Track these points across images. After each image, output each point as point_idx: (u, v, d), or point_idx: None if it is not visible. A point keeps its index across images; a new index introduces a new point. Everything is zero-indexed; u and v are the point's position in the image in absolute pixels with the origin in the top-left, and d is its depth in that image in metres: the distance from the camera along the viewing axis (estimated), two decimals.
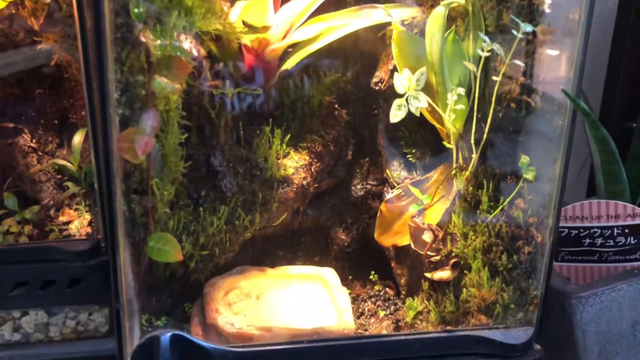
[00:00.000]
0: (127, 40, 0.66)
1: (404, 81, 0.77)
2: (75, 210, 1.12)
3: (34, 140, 1.16)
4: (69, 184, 1.11)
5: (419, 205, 0.83)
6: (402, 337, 0.77)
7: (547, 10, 0.75)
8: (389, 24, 0.86)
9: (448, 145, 0.85)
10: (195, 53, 0.68)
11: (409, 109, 0.77)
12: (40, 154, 1.17)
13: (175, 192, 0.82)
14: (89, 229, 1.09)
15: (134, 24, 0.66)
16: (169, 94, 0.69)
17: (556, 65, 0.76)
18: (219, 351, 0.70)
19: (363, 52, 0.99)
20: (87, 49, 0.91)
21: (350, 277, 1.03)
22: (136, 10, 0.65)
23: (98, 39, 0.58)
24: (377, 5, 0.82)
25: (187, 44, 0.68)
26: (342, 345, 0.75)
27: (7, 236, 1.04)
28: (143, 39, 0.64)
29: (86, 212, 1.12)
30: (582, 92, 1.03)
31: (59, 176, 1.15)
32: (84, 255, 0.96)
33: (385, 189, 0.97)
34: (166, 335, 0.68)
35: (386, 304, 0.98)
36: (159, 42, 0.65)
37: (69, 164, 1.08)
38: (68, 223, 1.12)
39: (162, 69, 0.68)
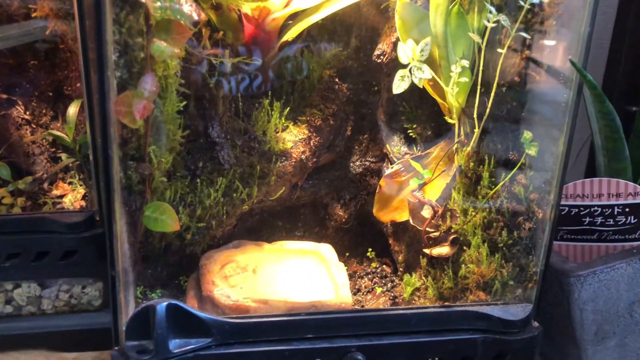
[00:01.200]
0: (126, 1, 0.64)
1: (408, 51, 0.75)
2: (69, 183, 1.11)
3: (27, 112, 1.14)
4: (63, 155, 1.10)
5: (420, 179, 0.82)
6: (401, 312, 0.77)
7: None
8: None
9: (450, 120, 0.84)
10: (195, 17, 0.67)
11: (412, 80, 0.75)
12: (34, 126, 1.15)
13: (173, 162, 0.81)
14: (82, 203, 1.08)
15: None
16: (168, 58, 0.68)
17: (562, 38, 0.74)
18: (215, 322, 0.69)
19: (364, 26, 0.97)
20: (83, 14, 0.89)
21: (347, 254, 1.02)
22: None
23: (98, 8, 0.57)
24: None
25: (187, 7, 0.66)
26: (340, 317, 0.74)
27: (0, 207, 1.03)
28: (143, 0, 0.62)
29: (80, 185, 1.10)
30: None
31: (53, 149, 1.13)
32: (78, 227, 0.95)
33: (384, 164, 0.96)
34: (162, 305, 0.67)
35: (383, 281, 0.97)
36: (158, 3, 0.64)
37: (64, 135, 1.06)
38: (62, 197, 1.10)
39: (162, 32, 0.66)
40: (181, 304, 0.69)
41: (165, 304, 0.68)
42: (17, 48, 1.12)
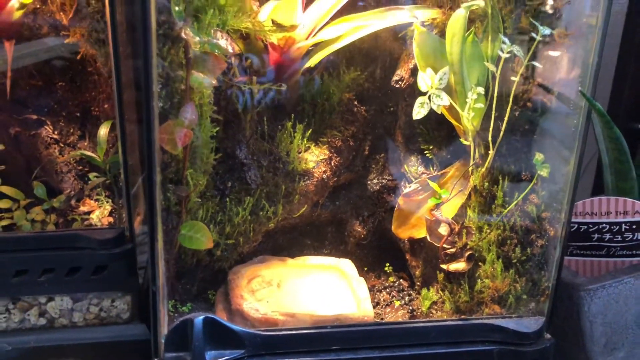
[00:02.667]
0: (167, 37, 0.69)
1: (427, 80, 0.80)
2: (96, 200, 1.16)
3: (56, 132, 1.19)
4: (92, 174, 1.14)
5: (437, 199, 0.86)
6: (421, 325, 0.81)
7: (564, 14, 0.79)
8: (410, 24, 0.90)
9: (465, 142, 0.89)
10: (230, 50, 0.72)
11: (430, 107, 0.81)
12: (62, 145, 1.20)
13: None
14: (110, 219, 1.13)
15: (175, 21, 0.69)
16: (205, 88, 0.73)
17: (571, 66, 0.79)
18: (248, 334, 0.74)
19: (382, 52, 1.02)
20: (117, 44, 0.94)
21: (365, 269, 1.07)
22: (177, 8, 0.69)
23: (145, 35, 0.62)
24: (402, 7, 0.85)
25: (223, 41, 0.72)
26: (364, 330, 0.79)
27: (35, 224, 1.08)
28: (184, 36, 0.67)
29: (106, 202, 1.15)
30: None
31: (80, 167, 1.18)
32: (108, 244, 1.00)
33: (402, 183, 1.01)
34: (199, 318, 0.72)
35: (400, 295, 1.02)
36: (198, 38, 0.69)
37: (95, 155, 1.11)
38: (89, 213, 1.15)
39: (200, 64, 0.72)
40: (217, 317, 0.73)
41: (202, 317, 0.72)
42: (46, 70, 1.17)
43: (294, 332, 0.77)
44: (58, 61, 1.16)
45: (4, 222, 1.07)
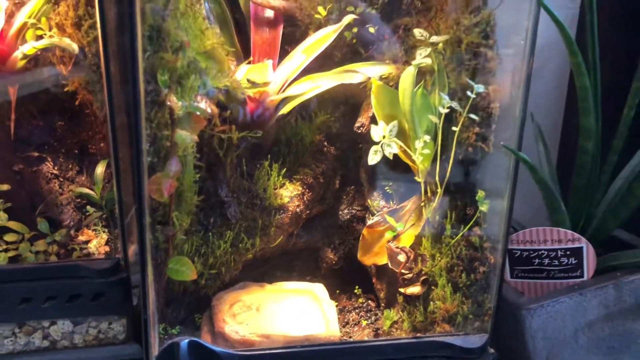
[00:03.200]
0: (155, 102, 0.81)
1: (380, 131, 0.93)
2: (94, 230, 1.27)
3: (56, 168, 1.30)
4: (90, 208, 1.26)
5: (394, 231, 0.99)
6: (379, 343, 0.93)
7: (498, 71, 0.91)
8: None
9: (418, 180, 1.01)
10: (209, 110, 0.84)
11: (383, 154, 0.93)
12: (62, 180, 1.31)
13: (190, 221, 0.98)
14: (106, 248, 1.24)
15: (160, 88, 0.81)
16: (188, 144, 0.85)
17: (505, 116, 0.92)
18: (227, 354, 0.86)
19: (348, 97, 1.15)
20: (111, 94, 1.06)
21: (337, 291, 1.19)
22: (162, 77, 0.81)
23: (135, 106, 0.74)
24: (357, 70, 0.98)
25: (203, 103, 0.84)
26: (329, 349, 0.91)
27: (38, 255, 1.19)
28: (169, 103, 0.80)
29: (103, 232, 1.26)
30: (533, 118, 1.20)
31: (78, 200, 1.29)
32: (105, 273, 1.10)
33: (367, 215, 1.13)
34: (185, 341, 0.84)
35: (368, 315, 1.14)
36: (180, 103, 0.81)
37: (91, 192, 1.22)
38: (87, 242, 1.26)
39: (183, 123, 0.84)
40: (200, 340, 0.85)
41: (187, 340, 0.84)
42: (46, 110, 1.29)
43: (267, 351, 0.88)
44: (58, 103, 1.28)
45: (11, 254, 1.18)
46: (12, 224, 1.18)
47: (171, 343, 0.84)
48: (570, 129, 1.36)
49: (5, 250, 1.18)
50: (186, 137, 0.83)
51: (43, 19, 1.16)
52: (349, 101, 1.14)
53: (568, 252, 1.03)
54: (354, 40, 1.09)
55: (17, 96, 1.24)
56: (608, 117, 1.02)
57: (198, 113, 0.84)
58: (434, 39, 0.92)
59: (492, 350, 0.96)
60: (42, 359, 1.09)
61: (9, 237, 1.19)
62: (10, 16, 1.18)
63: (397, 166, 1.08)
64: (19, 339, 1.10)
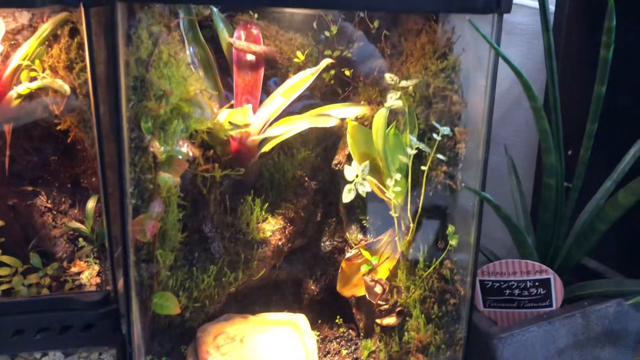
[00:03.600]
0: (138, 148, 0.87)
1: (353, 171, 0.98)
2: (85, 262, 1.31)
3: (49, 201, 1.35)
4: (82, 241, 1.31)
5: (369, 265, 1.03)
6: None
7: (463, 115, 0.97)
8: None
9: (393, 214, 1.06)
10: (190, 154, 0.89)
11: (357, 192, 0.98)
12: (55, 212, 1.36)
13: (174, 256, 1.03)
14: (97, 279, 1.29)
15: (144, 135, 0.87)
16: (170, 187, 0.90)
17: (470, 155, 0.97)
18: None
19: (328, 134, 1.20)
20: (101, 137, 1.12)
21: (319, 321, 1.23)
22: (145, 124, 0.87)
23: (119, 152, 0.79)
24: (333, 111, 1.04)
25: (185, 147, 0.89)
26: None
27: (30, 288, 1.23)
28: (152, 149, 0.85)
29: (95, 263, 1.31)
30: (506, 150, 1.26)
31: (71, 232, 1.34)
32: (96, 305, 1.14)
33: (346, 247, 1.18)
34: None
35: (349, 344, 1.18)
36: (163, 148, 0.86)
37: (82, 227, 1.27)
38: (79, 273, 1.31)
39: (165, 166, 0.89)
40: None
41: None
42: (41, 147, 1.34)
43: None
44: (51, 139, 1.33)
45: (4, 287, 1.22)
46: (6, 259, 1.23)
47: None
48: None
49: None
50: (169, 179, 0.88)
51: (37, 62, 1.22)
52: (329, 137, 1.20)
53: (537, 283, 1.08)
54: (332, 81, 1.15)
55: (11, 131, 1.29)
56: (572, 155, 1.07)
57: (180, 157, 0.89)
58: (404, 83, 0.98)
59: None
60: None
61: (2, 271, 1.23)
62: (5, 57, 1.24)
63: (374, 200, 1.13)
64: None
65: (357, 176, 0.98)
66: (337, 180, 1.22)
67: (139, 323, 0.95)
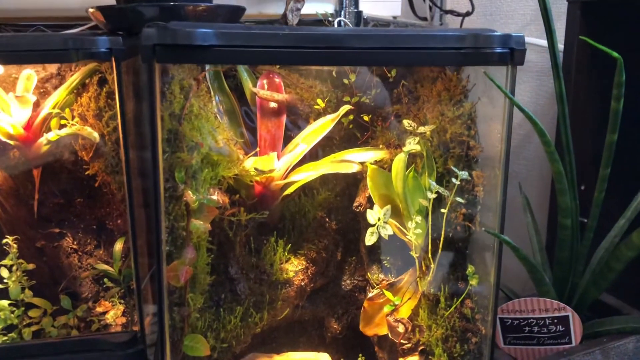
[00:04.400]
0: (172, 197, 0.91)
1: (375, 215, 1.02)
2: (110, 302, 1.35)
3: (75, 242, 1.40)
4: (108, 283, 1.34)
5: (392, 306, 1.06)
6: None
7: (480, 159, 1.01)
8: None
9: (413, 254, 1.10)
10: (221, 202, 0.94)
11: (379, 235, 1.02)
12: (81, 254, 1.40)
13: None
14: (123, 319, 1.32)
15: (177, 184, 0.91)
16: (202, 233, 0.94)
17: (488, 199, 1.01)
18: None
19: (347, 175, 1.24)
20: (130, 180, 1.17)
21: (342, 359, 1.25)
22: (179, 174, 0.91)
23: (156, 205, 0.84)
24: (353, 156, 1.08)
25: (215, 195, 0.94)
26: None
27: (62, 331, 1.27)
28: (185, 198, 0.90)
29: (120, 303, 1.34)
30: (520, 188, 1.29)
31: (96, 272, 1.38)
32: (124, 346, 1.18)
33: (367, 287, 1.21)
34: None
35: None
36: (195, 197, 0.91)
37: (109, 269, 1.31)
38: (104, 313, 1.34)
39: (197, 214, 0.93)
40: None
41: None
42: (67, 189, 1.39)
43: None
44: (78, 182, 1.38)
45: (34, 328, 1.26)
46: (37, 300, 1.27)
47: None
48: None
49: (29, 325, 1.26)
50: (200, 226, 0.92)
51: (67, 110, 1.27)
52: (348, 179, 1.24)
53: (555, 320, 1.10)
54: (350, 126, 1.20)
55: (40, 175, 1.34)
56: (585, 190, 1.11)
57: (210, 204, 0.93)
58: (421, 129, 1.02)
59: None
60: None
61: (32, 313, 1.27)
62: (36, 105, 1.30)
63: (394, 240, 1.16)
64: None
65: (379, 219, 1.02)
66: (358, 220, 1.25)
67: None
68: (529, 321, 1.12)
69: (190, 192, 0.91)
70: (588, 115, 1.31)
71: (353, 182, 1.24)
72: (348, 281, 1.27)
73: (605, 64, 1.05)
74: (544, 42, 1.31)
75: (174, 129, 0.90)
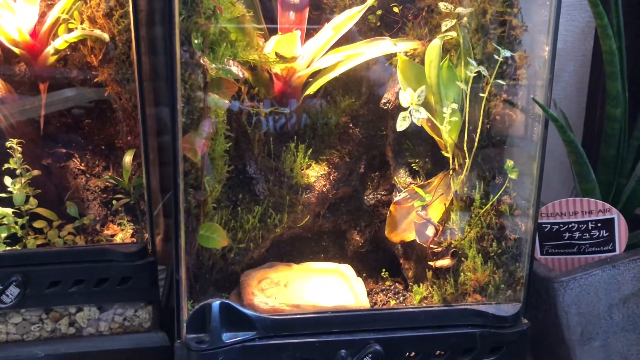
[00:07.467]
0: (188, 64, 0.83)
1: (408, 97, 0.94)
2: (119, 224, 1.28)
3: (83, 164, 1.33)
4: (118, 196, 1.27)
5: (422, 201, 0.99)
6: (411, 310, 0.92)
7: (524, 39, 0.93)
8: (394, 55, 1.04)
9: (445, 154, 1.02)
10: (240, 75, 0.86)
11: (412, 120, 0.94)
12: (89, 175, 1.33)
13: (219, 194, 0.99)
14: (132, 240, 1.25)
15: (195, 51, 0.84)
16: (219, 108, 0.87)
17: (532, 82, 0.93)
18: (259, 318, 0.85)
19: (372, 81, 1.16)
20: (142, 83, 1.09)
21: (364, 274, 1.18)
22: (196, 40, 0.84)
23: (172, 63, 0.76)
24: (385, 37, 1.00)
25: (234, 68, 0.86)
26: (359, 315, 0.90)
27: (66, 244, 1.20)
28: (202, 63, 0.82)
29: (128, 225, 1.27)
30: (556, 105, 1.21)
31: (104, 195, 1.31)
32: (133, 256, 1.10)
33: (393, 193, 1.13)
34: (216, 303, 0.83)
35: (396, 297, 1.13)
36: (214, 65, 0.83)
37: (121, 180, 1.24)
38: (113, 236, 1.27)
39: (215, 87, 0.86)
40: (231, 303, 0.85)
41: (218, 302, 0.84)
42: (74, 110, 1.32)
43: (298, 316, 0.88)
44: (86, 102, 1.31)
45: (39, 241, 1.19)
46: (42, 211, 1.20)
47: (202, 305, 0.84)
48: (593, 118, 1.36)
49: (35, 237, 1.19)
50: (218, 100, 0.85)
51: (75, 13, 1.20)
52: (374, 85, 1.16)
53: (599, 224, 1.02)
54: (378, 24, 1.11)
55: (48, 98, 1.28)
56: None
57: (230, 77, 0.85)
58: (459, 9, 0.94)
59: (525, 320, 0.94)
60: (68, 346, 1.10)
61: (37, 224, 1.20)
62: (41, 16, 1.22)
63: (423, 142, 1.09)
64: (46, 325, 1.10)
65: (412, 103, 0.94)
66: (380, 132, 1.18)
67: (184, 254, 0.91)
68: (570, 226, 1.03)
69: (207, 59, 0.83)
70: None
71: (378, 89, 1.16)
72: (371, 195, 1.19)
73: None
74: None
75: None
